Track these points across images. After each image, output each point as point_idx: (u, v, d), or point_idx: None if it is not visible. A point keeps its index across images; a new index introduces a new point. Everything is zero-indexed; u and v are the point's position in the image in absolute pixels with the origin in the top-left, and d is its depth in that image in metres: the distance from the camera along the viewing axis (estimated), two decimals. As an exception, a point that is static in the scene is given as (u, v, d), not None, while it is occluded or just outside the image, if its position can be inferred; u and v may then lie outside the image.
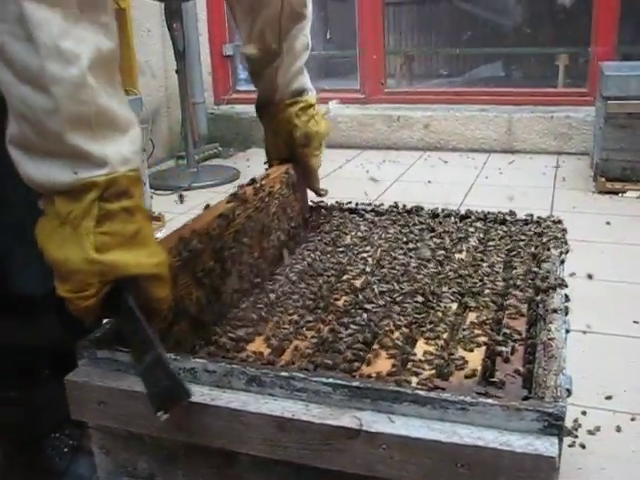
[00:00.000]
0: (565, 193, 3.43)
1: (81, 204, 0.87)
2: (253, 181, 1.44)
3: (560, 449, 0.84)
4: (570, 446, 1.58)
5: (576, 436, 1.63)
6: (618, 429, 1.66)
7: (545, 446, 0.83)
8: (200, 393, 0.97)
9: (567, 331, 1.16)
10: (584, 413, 1.70)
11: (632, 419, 1.70)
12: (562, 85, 4.58)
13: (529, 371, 0.99)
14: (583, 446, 1.59)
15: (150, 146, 3.90)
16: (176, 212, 3.35)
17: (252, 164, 4.23)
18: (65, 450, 1.42)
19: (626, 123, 3.25)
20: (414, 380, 0.95)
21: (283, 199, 1.50)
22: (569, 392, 0.96)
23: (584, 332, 2.05)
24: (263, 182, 1.45)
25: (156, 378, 0.93)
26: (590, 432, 1.64)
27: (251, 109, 5.07)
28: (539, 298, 1.16)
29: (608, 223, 2.99)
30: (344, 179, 3.84)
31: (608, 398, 1.77)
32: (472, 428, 0.87)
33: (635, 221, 3.03)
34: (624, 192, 3.32)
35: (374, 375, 0.98)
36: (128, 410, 1.00)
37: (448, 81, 5.65)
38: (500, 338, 1.06)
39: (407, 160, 4.17)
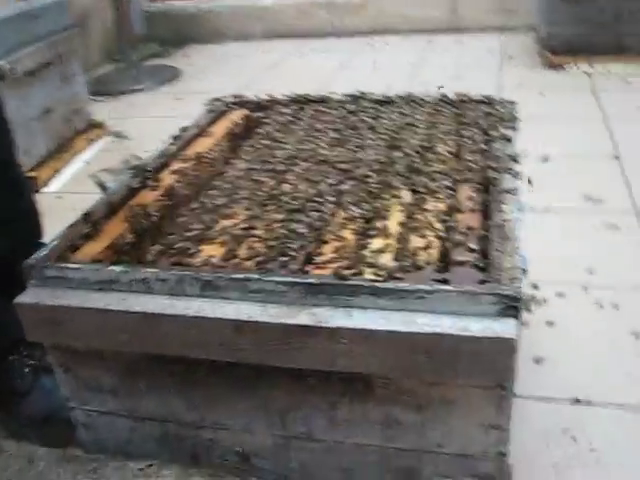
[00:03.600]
0: (512, 70, 3.38)
1: None
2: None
3: (519, 330, 0.85)
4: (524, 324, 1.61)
5: (531, 310, 1.65)
6: (573, 301, 1.69)
7: (504, 328, 0.84)
8: (155, 303, 0.95)
9: (520, 210, 1.16)
10: (536, 286, 1.72)
11: (585, 288, 1.73)
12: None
13: (484, 254, 0.98)
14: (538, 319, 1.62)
15: (83, 50, 3.70)
16: (117, 117, 3.24)
17: (193, 61, 4.09)
18: (26, 370, 1.40)
19: (571, -6, 3.18)
20: (369, 271, 0.94)
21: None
22: (524, 272, 0.96)
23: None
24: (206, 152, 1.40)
25: None
26: (542, 303, 1.66)
27: (188, 4, 4.85)
28: (491, 178, 1.15)
29: (554, 98, 2.97)
30: (288, 69, 3.75)
31: (566, 272, 1.79)
32: (431, 316, 0.87)
33: (582, 94, 3.02)
34: (571, 65, 3.28)
35: (330, 269, 0.96)
36: (83, 327, 0.98)
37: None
38: (454, 224, 1.05)
39: (351, 46, 4.06)
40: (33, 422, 1.32)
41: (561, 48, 3.31)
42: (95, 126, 2.98)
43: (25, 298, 1.00)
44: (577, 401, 1.39)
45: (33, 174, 2.48)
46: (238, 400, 1.02)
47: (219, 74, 3.81)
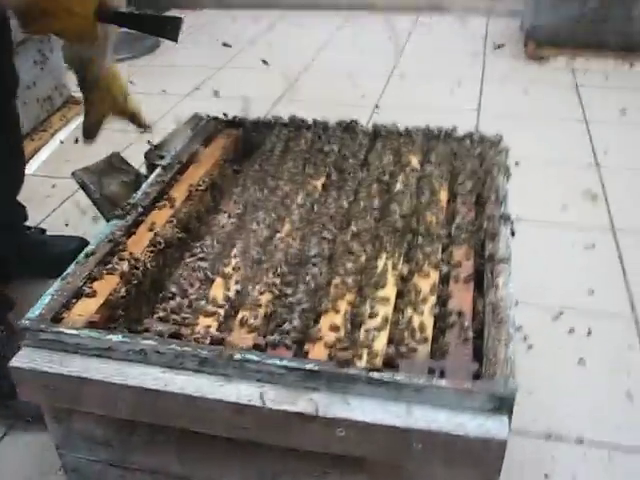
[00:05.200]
0: (496, 60, 3.38)
1: None
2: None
3: (509, 429, 0.87)
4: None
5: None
6: (546, 324, 1.71)
7: (497, 428, 0.86)
8: (153, 377, 0.96)
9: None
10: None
11: (561, 313, 1.76)
12: None
13: (479, 334, 1.00)
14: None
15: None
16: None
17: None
18: None
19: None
20: (366, 353, 0.95)
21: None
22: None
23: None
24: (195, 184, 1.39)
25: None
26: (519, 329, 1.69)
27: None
28: (485, 244, 1.17)
29: (537, 95, 2.98)
30: (269, 44, 3.69)
31: (541, 291, 1.81)
32: (426, 408, 0.89)
33: (564, 91, 3.03)
34: (555, 58, 3.28)
35: (326, 350, 0.97)
36: (80, 395, 0.99)
37: None
38: (448, 298, 1.07)
39: (328, 25, 4.00)
40: None
41: (545, 39, 3.30)
42: (73, 102, 2.92)
43: (20, 361, 0.99)
44: (549, 436, 1.45)
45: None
46: (232, 461, 1.04)
47: (200, 45, 3.74)
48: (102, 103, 1.56)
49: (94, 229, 1.21)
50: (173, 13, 4.24)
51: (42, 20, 1.23)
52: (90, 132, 1.62)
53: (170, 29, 1.31)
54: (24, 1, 1.20)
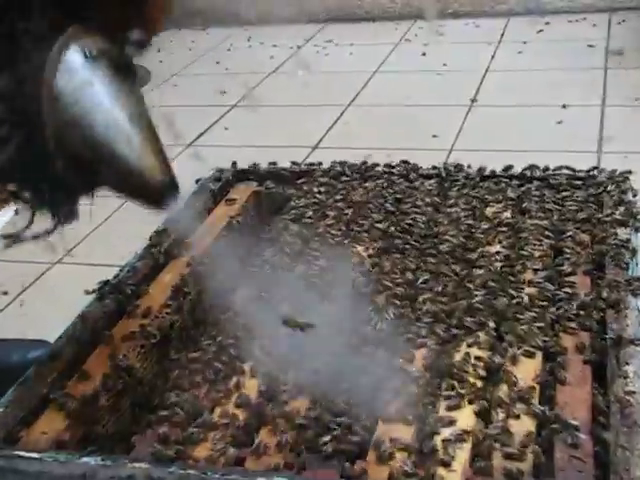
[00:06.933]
0: (621, 76, 3.41)
1: None
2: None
3: None
4: None
5: None
6: None
7: None
8: (145, 517, 0.99)
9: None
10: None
11: None
12: None
13: (602, 444, 1.02)
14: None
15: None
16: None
17: (166, 56, 4.14)
18: None
19: None
20: (442, 473, 0.98)
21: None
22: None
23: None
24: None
25: None
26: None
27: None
28: (606, 323, 1.20)
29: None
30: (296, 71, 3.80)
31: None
32: None
33: None
34: None
35: (386, 469, 1.00)
36: None
37: None
38: (556, 394, 1.09)
39: (390, 36, 4.12)
40: None
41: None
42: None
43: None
44: None
45: None
46: None
47: (202, 78, 3.87)
48: None
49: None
50: (168, 34, 4.43)
51: None
52: None
53: None
54: None
